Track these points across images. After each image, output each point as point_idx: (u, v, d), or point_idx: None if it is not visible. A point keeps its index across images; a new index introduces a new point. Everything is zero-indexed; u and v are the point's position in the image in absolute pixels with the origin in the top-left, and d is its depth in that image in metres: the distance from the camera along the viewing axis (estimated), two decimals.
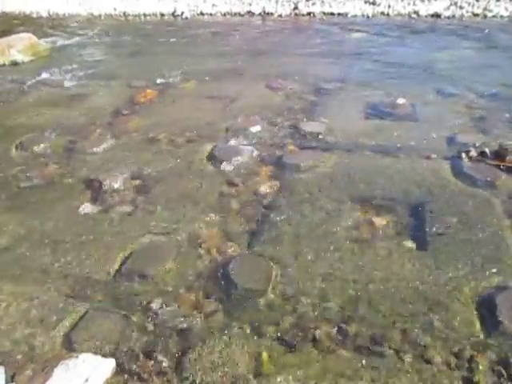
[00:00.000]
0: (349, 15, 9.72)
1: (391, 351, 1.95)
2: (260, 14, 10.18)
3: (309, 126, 4.04)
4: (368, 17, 9.59)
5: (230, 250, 2.59)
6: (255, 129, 4.05)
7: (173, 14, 10.48)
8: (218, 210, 2.96)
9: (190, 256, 2.57)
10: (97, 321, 2.16)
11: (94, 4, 11.30)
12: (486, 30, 7.81)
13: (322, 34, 8.04)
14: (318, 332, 2.05)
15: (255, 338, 2.05)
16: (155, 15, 10.57)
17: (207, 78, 5.70)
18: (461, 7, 9.48)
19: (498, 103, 4.55)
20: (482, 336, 1.99)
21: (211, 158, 3.61)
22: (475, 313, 2.11)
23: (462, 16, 9.10)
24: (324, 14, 9.90)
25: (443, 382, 1.82)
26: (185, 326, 2.13)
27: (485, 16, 9.12)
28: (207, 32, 8.69)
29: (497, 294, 2.16)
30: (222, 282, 2.35)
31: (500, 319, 2.03)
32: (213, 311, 2.21)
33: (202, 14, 10.43)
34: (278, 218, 2.82)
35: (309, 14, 9.96)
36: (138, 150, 3.83)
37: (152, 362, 1.96)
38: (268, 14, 10.15)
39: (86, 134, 4.22)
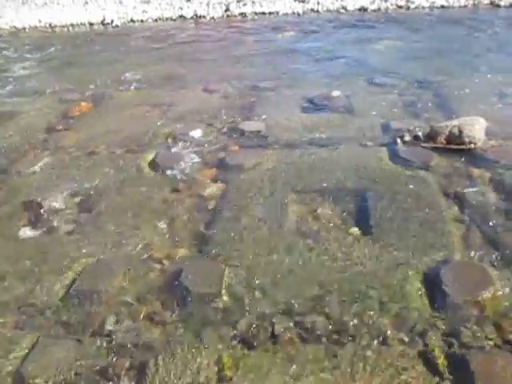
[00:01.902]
0: (280, 14, 9.87)
1: (349, 338, 1.99)
2: (192, 17, 10.12)
3: (249, 126, 4.06)
4: (299, 14, 9.78)
5: (180, 257, 2.56)
6: (196, 133, 4.02)
7: (102, 23, 10.19)
8: (164, 217, 2.92)
9: (141, 268, 2.51)
10: (49, 350, 2.05)
11: (16, 16, 10.77)
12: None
13: (255, 34, 8.11)
14: (276, 328, 2.06)
15: (214, 342, 2.03)
16: (84, 25, 10.23)
17: (143, 86, 5.60)
18: (385, 0, 9.89)
19: (426, 89, 4.79)
20: (431, 310, 2.09)
21: (153, 166, 3.55)
22: (423, 289, 2.20)
23: (387, 9, 9.49)
24: (256, 13, 10.00)
25: (401, 360, 1.88)
26: (142, 340, 2.08)
27: (408, 8, 9.56)
28: (140, 39, 8.52)
29: (441, 269, 2.26)
30: (176, 290, 2.31)
31: (446, 291, 2.13)
32: (169, 321, 2.17)
33: (132, 21, 10.21)
34: (225, 220, 2.81)
35: (241, 14, 10.02)
36: (76, 166, 3.69)
37: (111, 383, 1.90)
38: (200, 17, 10.10)
39: (20, 153, 4.02)
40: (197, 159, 3.58)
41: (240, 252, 2.54)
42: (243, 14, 9.96)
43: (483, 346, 1.89)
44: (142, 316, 2.21)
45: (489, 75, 5.13)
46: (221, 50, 7.18)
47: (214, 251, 2.57)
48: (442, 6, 9.28)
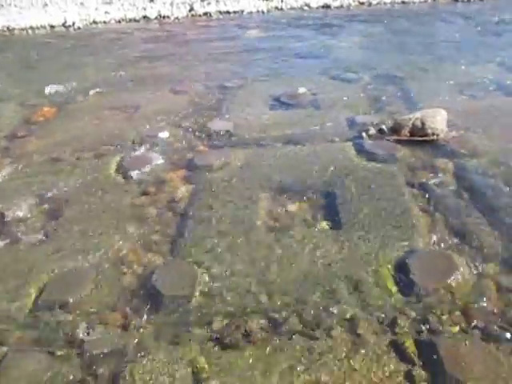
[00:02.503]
0: (245, 12, 9.87)
1: (322, 331, 2.02)
2: (156, 18, 10.00)
3: (217, 125, 4.05)
4: (263, 12, 9.81)
5: (152, 261, 2.53)
6: (163, 135, 3.98)
7: (64, 25, 9.94)
8: (134, 222, 2.88)
9: (111, 274, 2.47)
10: (18, 364, 1.99)
11: None
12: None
13: (221, 33, 8.09)
14: (249, 326, 2.07)
15: (189, 344, 2.02)
16: (44, 27, 9.96)
17: (108, 89, 5.50)
18: None
19: (390, 83, 4.89)
20: (400, 299, 2.13)
21: (121, 170, 3.49)
22: (392, 279, 2.25)
23: (349, 5, 9.63)
24: (220, 13, 9.97)
25: (373, 349, 1.92)
26: (115, 347, 2.05)
27: (370, 4, 9.72)
28: (103, 41, 8.37)
29: (408, 258, 2.32)
30: (148, 295, 2.29)
31: (413, 280, 2.19)
32: (142, 326, 2.14)
33: (95, 22, 10.00)
34: (196, 221, 2.80)
35: (205, 14, 9.97)
36: (41, 173, 3.60)
37: None
38: (164, 17, 10.00)
39: None
40: (165, 161, 3.55)
41: (212, 252, 2.53)
42: (208, 14, 9.91)
43: (451, 332, 1.95)
44: (114, 323, 2.17)
45: (450, 68, 5.28)
46: (186, 50, 7.14)
47: (185, 253, 2.55)
48: (403, 2, 9.48)
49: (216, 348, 1.99)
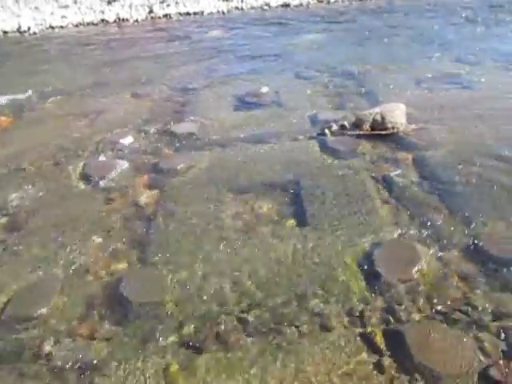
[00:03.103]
0: (205, 13, 9.84)
1: (292, 327, 2.04)
2: (115, 21, 9.85)
3: (181, 128, 4.03)
4: (224, 13, 9.81)
5: (119, 269, 2.49)
6: (126, 140, 3.92)
7: (18, 31, 9.65)
8: (99, 230, 2.82)
9: (78, 285, 2.42)
10: None
11: None
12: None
13: (182, 35, 8.03)
14: (220, 328, 2.07)
15: (161, 350, 2.00)
16: None
17: (68, 95, 5.37)
18: None
19: (350, 79, 4.98)
20: (367, 291, 2.18)
21: (84, 177, 3.42)
22: (359, 272, 2.29)
23: (308, 3, 9.74)
24: (180, 14, 9.91)
25: (343, 342, 1.95)
26: (84, 359, 2.00)
27: (328, 1, 9.87)
28: (61, 46, 8.17)
29: (373, 251, 2.37)
30: (117, 303, 2.25)
31: (379, 271, 2.24)
32: (112, 335, 2.11)
33: (51, 27, 9.75)
34: (163, 225, 2.77)
35: (165, 16, 9.89)
36: (1, 185, 3.48)
37: None
38: (123, 20, 9.85)
39: None
40: (129, 166, 3.50)
41: (180, 256, 2.51)
42: (168, 16, 9.83)
43: (416, 320, 2.00)
44: (82, 334, 2.13)
45: (408, 62, 5.41)
46: (147, 53, 7.05)
47: (153, 258, 2.52)
48: None
49: (188, 353, 1.98)
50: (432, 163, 3.16)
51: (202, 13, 9.84)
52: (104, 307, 2.26)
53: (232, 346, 1.98)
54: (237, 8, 9.97)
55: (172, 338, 2.05)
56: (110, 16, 9.91)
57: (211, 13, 9.77)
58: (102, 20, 9.86)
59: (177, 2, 10.29)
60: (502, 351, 1.84)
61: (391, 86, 4.65)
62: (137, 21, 9.77)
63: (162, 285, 2.32)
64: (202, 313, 2.15)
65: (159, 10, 9.98)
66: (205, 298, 2.23)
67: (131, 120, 4.38)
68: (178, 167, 3.36)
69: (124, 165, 3.51)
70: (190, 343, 2.01)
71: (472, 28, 6.96)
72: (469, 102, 4.13)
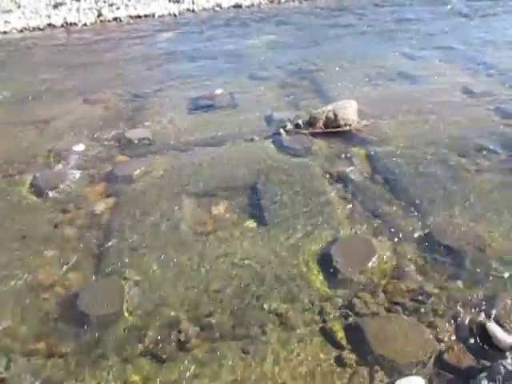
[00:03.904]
0: (156, 16, 9.71)
1: (255, 328, 2.04)
2: (62, 25, 9.54)
3: (135, 134, 3.95)
4: (175, 15, 9.70)
5: (75, 282, 2.42)
6: (79, 148, 3.81)
7: None
8: (54, 243, 2.73)
9: (32, 302, 2.32)
10: None
11: None
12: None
13: (133, 39, 7.88)
14: (182, 335, 2.04)
15: (122, 363, 1.95)
16: None
17: (15, 103, 5.16)
18: None
19: (303, 78, 5.04)
20: (326, 287, 2.21)
21: (35, 189, 3.29)
22: (318, 269, 2.32)
23: (259, 4, 9.79)
24: (131, 17, 9.72)
25: (305, 339, 1.97)
26: (40, 378, 1.93)
27: (279, 1, 9.95)
28: (4, 52, 7.83)
29: (331, 248, 2.41)
30: (74, 318, 2.18)
31: (337, 267, 2.28)
32: (70, 352, 2.04)
33: None
34: (120, 234, 2.71)
35: (115, 19, 9.67)
36: None
37: None
38: (71, 24, 9.57)
39: None
40: (83, 175, 3.40)
41: (139, 265, 2.46)
42: (118, 19, 9.63)
43: (375, 312, 2.05)
44: (37, 353, 2.05)
45: (359, 60, 5.54)
46: (98, 58, 6.87)
47: (110, 269, 2.46)
48: None
49: (150, 363, 1.94)
50: (384, 158, 3.24)
51: (153, 15, 9.70)
52: (60, 323, 2.18)
53: (195, 352, 1.97)
54: (188, 10, 9.89)
55: (132, 350, 2.00)
56: (57, 20, 9.60)
57: (162, 15, 9.65)
58: (49, 24, 9.54)
59: (127, 5, 10.10)
60: (456, 335, 1.92)
61: (343, 84, 4.75)
62: (85, 25, 9.51)
63: (120, 296, 2.26)
64: (162, 321, 2.12)
65: (108, 14, 9.76)
66: (165, 306, 2.19)
67: (83, 127, 4.26)
68: (134, 174, 3.30)
69: (77, 174, 3.41)
70: (151, 353, 1.98)
71: (421, 25, 7.19)
72: (418, 97, 4.27)
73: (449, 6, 8.27)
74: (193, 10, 9.83)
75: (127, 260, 2.51)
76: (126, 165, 3.48)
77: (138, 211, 2.91)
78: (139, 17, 9.73)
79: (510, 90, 4.28)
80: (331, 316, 2.06)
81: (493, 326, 1.90)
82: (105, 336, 2.07)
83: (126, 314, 2.17)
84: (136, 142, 3.84)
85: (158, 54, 6.72)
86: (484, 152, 3.22)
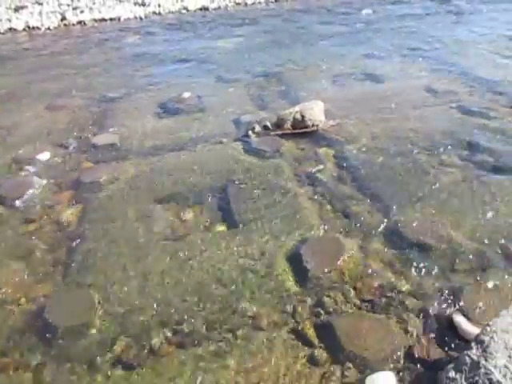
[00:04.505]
0: (122, 19, 9.57)
1: (227, 332, 2.04)
2: (24, 29, 9.29)
3: (102, 139, 3.88)
4: (141, 18, 9.59)
5: (42, 294, 2.35)
6: (43, 156, 3.71)
7: None
8: (19, 254, 2.65)
9: None
10: None
11: None
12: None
13: (98, 42, 7.75)
14: (154, 342, 2.02)
15: (93, 374, 1.92)
16: None
17: None
18: None
19: (271, 80, 5.07)
20: (298, 287, 2.23)
21: None
22: (289, 269, 2.34)
23: (226, 6, 9.79)
24: (96, 20, 9.55)
25: (277, 340, 1.98)
26: None
27: (246, 4, 9.98)
28: None
29: (301, 247, 2.43)
30: (42, 331, 2.13)
31: (307, 267, 2.30)
32: (39, 365, 1.99)
33: None
34: (88, 243, 2.66)
35: (79, 23, 9.49)
36: None
37: None
38: (34, 28, 9.32)
39: None
40: (48, 183, 3.32)
41: (107, 273, 2.42)
42: (82, 23, 9.44)
43: (345, 310, 2.08)
44: (5, 368, 1.99)
45: (325, 61, 5.61)
46: (62, 63, 6.71)
47: (79, 279, 2.41)
48: (276, 0, 9.87)
49: (121, 372, 1.91)
50: (351, 157, 3.30)
51: (119, 19, 9.56)
52: (29, 336, 2.12)
53: (167, 359, 1.95)
54: (154, 13, 9.80)
55: (103, 359, 1.97)
56: (18, 24, 9.34)
57: (128, 18, 9.52)
58: (10, 29, 9.27)
59: (91, 8, 9.92)
60: (424, 329, 1.97)
61: (311, 85, 4.80)
62: (49, 29, 9.28)
63: (90, 305, 2.22)
64: (133, 329, 2.09)
65: (72, 17, 9.56)
66: (136, 313, 2.16)
67: (48, 134, 4.16)
68: (101, 180, 3.24)
69: (42, 182, 3.33)
70: (122, 361, 1.95)
71: (389, 25, 7.32)
72: (383, 96, 4.36)
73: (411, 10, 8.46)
74: (159, 13, 9.74)
75: (95, 269, 2.46)
76: (93, 171, 3.41)
77: (107, 219, 2.86)
78: (104, 20, 9.57)
79: (470, 89, 4.42)
80: (302, 316, 2.07)
81: (458, 318, 1.96)
82: (74, 347, 2.03)
83: (94, 323, 2.13)
84: (102, 148, 3.77)
85: (124, 57, 6.63)
86: (446, 148, 3.32)
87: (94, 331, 2.09)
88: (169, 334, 2.04)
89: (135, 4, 10.12)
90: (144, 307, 2.19)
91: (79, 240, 2.70)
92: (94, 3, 10.14)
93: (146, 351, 1.99)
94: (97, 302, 2.24)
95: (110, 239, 2.67)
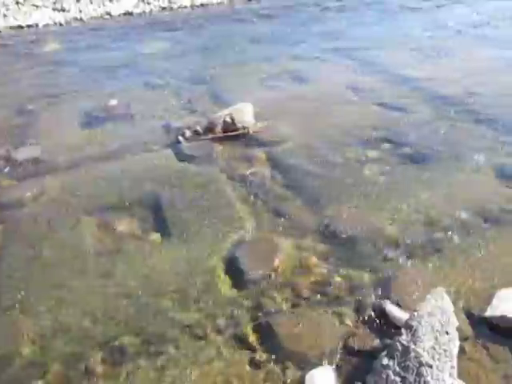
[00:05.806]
0: (40, 26, 9.09)
1: (167, 344, 1.98)
2: None
3: (22, 153, 3.66)
4: (61, 24, 9.17)
5: None
6: None
7: None
8: None
9: None
10: None
11: None
12: None
13: (15, 51, 7.30)
14: (90, 362, 1.93)
15: None
16: None
17: None
18: (148, 3, 9.98)
19: (199, 84, 5.04)
20: (235, 291, 2.22)
21: None
22: (226, 274, 2.32)
23: (151, 11, 9.59)
24: (11, 28, 9.00)
25: (217, 347, 1.95)
26: None
27: (171, 8, 9.84)
28: None
29: (236, 251, 2.42)
30: None
31: (243, 270, 2.30)
32: None
33: None
34: (11, 265, 2.49)
35: None
36: None
37: None
38: None
39: None
40: None
41: (36, 296, 2.28)
42: None
43: (284, 310, 2.10)
44: None
45: (252, 64, 5.66)
46: None
47: (4, 304, 2.25)
48: (202, 5, 9.82)
49: None
50: (282, 157, 3.35)
51: (37, 25, 9.07)
52: None
53: (104, 379, 1.86)
54: (76, 19, 9.40)
55: None
56: None
57: (47, 25, 9.06)
58: None
59: (5, 15, 9.33)
60: (359, 320, 2.03)
61: (239, 88, 4.82)
62: None
63: (17, 332, 2.08)
64: (67, 352, 1.98)
65: None
66: (68, 336, 2.05)
67: None
68: (23, 197, 3.05)
69: None
70: None
71: (320, 26, 7.47)
72: (310, 96, 4.47)
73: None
74: (81, 19, 9.36)
75: (21, 292, 2.31)
76: (14, 189, 3.21)
77: (32, 238, 2.70)
78: (21, 27, 9.04)
79: (393, 87, 4.62)
80: (241, 319, 2.06)
81: (389, 306, 2.04)
82: (1, 377, 1.89)
83: (23, 350, 1.99)
84: (24, 162, 3.55)
85: (43, 66, 6.28)
86: (372, 143, 3.46)
87: (22, 359, 1.96)
88: (105, 353, 1.95)
89: (54, 10, 9.66)
90: (76, 329, 2.08)
91: (1, 263, 2.52)
92: (7, 9, 9.56)
93: (81, 373, 1.89)
94: (25, 328, 2.10)
95: (37, 260, 2.52)
